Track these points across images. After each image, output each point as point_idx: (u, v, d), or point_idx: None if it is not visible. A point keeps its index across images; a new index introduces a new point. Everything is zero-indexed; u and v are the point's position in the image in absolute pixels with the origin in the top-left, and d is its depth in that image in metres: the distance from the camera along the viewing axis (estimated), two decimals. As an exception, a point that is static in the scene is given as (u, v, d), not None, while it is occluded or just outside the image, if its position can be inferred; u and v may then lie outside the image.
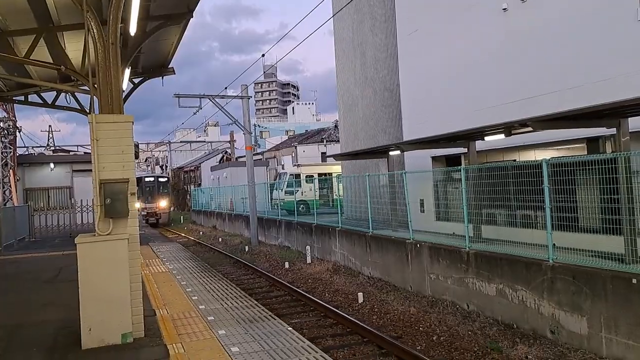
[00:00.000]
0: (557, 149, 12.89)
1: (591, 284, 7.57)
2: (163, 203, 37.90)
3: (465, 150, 12.81)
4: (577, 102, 9.06)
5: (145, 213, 35.91)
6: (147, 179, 38.06)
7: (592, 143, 10.89)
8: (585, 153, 11.11)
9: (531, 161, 11.46)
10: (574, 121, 8.83)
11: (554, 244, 8.53)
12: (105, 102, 5.81)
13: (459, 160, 15.11)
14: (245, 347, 5.23)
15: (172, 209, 42.06)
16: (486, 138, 11.75)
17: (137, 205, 32.89)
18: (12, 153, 24.51)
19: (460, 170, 11.40)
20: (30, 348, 5.61)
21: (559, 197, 8.92)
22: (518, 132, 10.84)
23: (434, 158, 15.99)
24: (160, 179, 39.36)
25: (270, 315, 6.63)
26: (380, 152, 16.26)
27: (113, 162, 5.78)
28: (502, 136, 11.04)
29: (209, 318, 6.55)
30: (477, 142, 12.36)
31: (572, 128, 9.23)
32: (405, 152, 15.84)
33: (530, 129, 9.75)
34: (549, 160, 8.85)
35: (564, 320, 8.02)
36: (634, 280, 6.90)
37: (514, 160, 13.59)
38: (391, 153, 15.60)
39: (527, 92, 11.86)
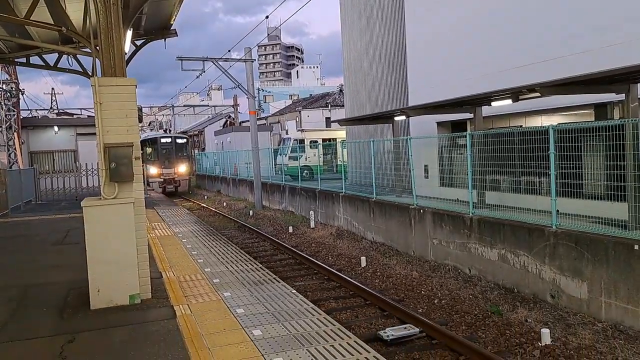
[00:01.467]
0: (565, 114, 12.77)
1: (593, 250, 7.62)
2: (182, 168, 32.42)
3: (472, 115, 12.71)
4: (586, 68, 8.91)
5: (162, 180, 31.26)
6: (163, 140, 32.57)
7: (600, 109, 10.77)
8: (593, 119, 11.01)
9: (538, 127, 11.38)
10: (584, 86, 8.70)
11: (558, 210, 8.56)
12: (107, 64, 5.74)
13: (465, 125, 15.02)
14: (250, 309, 5.33)
15: (193, 174, 36.09)
16: (493, 103, 11.61)
17: (154, 170, 27.94)
18: (15, 116, 24.47)
19: (465, 136, 11.34)
20: (41, 308, 5.74)
21: (564, 164, 8.89)
22: (526, 98, 10.69)
23: (439, 123, 15.89)
24: (179, 140, 33.46)
25: (274, 278, 6.73)
26: (385, 117, 16.16)
27: (117, 125, 5.76)
28: (509, 102, 10.91)
29: (214, 280, 6.65)
30: (483, 107, 12.25)
31: (581, 93, 9.11)
32: (410, 118, 15.72)
33: (538, 94, 9.66)
34: (556, 126, 8.77)
35: (564, 285, 8.12)
36: (636, 247, 6.94)
37: (520, 126, 13.49)
38: (396, 118, 15.48)
39: (535, 56, 11.66)
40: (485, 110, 12.36)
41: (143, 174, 25.62)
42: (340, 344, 4.23)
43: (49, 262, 8.42)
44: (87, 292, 5.64)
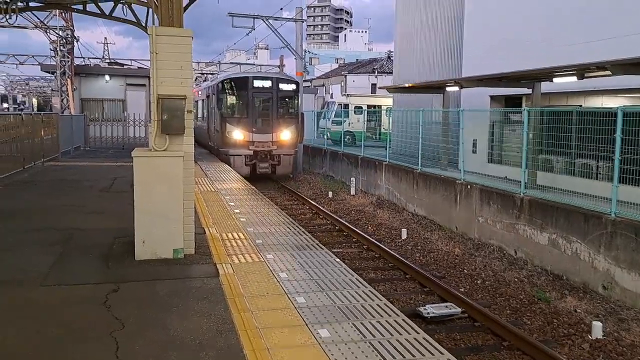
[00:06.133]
0: (628, 96, 11.99)
1: (656, 244, 7.15)
2: (286, 134, 18.81)
3: (529, 91, 12.10)
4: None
5: (251, 153, 18.22)
6: (257, 84, 18.62)
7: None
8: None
9: (603, 108, 10.69)
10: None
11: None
12: (165, 14, 5.56)
13: (520, 101, 14.34)
14: (293, 274, 5.20)
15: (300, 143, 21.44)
16: (555, 80, 10.98)
17: (238, 135, 17.72)
18: (69, 62, 24.93)
19: (521, 112, 10.80)
20: (87, 254, 5.80)
21: (626, 148, 8.34)
22: (592, 76, 10.05)
23: (492, 97, 15.20)
24: (284, 86, 19.14)
25: (317, 244, 6.59)
26: (436, 87, 15.59)
27: (171, 77, 5.60)
28: (573, 79, 10.28)
29: (257, 241, 6.57)
30: (541, 84, 11.60)
31: (659, 74, 8.43)
32: (462, 90, 15.11)
33: (607, 72, 9.02)
34: (625, 108, 8.18)
35: (619, 276, 7.69)
36: None
37: (580, 106, 12.78)
38: (448, 89, 14.92)
39: (604, 32, 10.80)
40: (542, 87, 11.72)
41: (214, 134, 18.78)
42: (387, 321, 4.05)
43: (97, 209, 8.55)
44: (132, 242, 5.64)
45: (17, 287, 4.76)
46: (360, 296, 4.60)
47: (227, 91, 18.68)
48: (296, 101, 19.69)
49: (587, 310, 7.40)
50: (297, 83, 20.02)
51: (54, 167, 14.29)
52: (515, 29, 13.65)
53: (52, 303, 4.37)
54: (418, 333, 3.82)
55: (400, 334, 3.80)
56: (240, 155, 18.03)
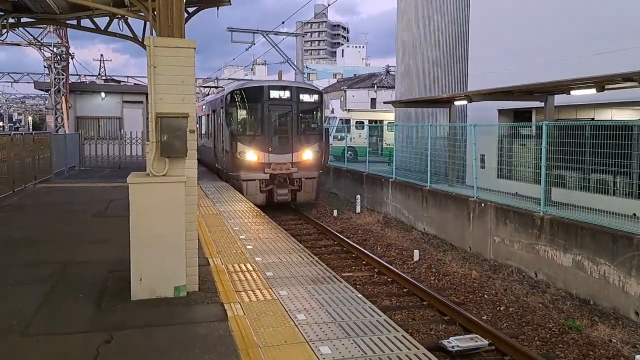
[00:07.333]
0: (636, 109, 11.57)
1: (699, 268, 6.59)
2: (308, 154, 16.12)
3: (540, 104, 11.65)
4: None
5: (267, 177, 15.55)
6: (273, 94, 15.92)
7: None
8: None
9: (623, 121, 10.21)
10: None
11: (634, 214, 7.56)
12: (165, 23, 5.01)
13: (529, 114, 13.89)
14: (312, 316, 4.58)
15: (324, 164, 17.92)
16: (572, 92, 10.50)
17: (251, 156, 14.83)
18: (64, 80, 24.43)
19: (533, 126, 10.33)
20: (77, 293, 5.18)
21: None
22: (613, 88, 9.57)
23: (500, 111, 14.73)
24: (305, 97, 16.35)
25: (333, 276, 5.97)
26: (443, 101, 15.12)
27: (172, 93, 5.02)
28: (592, 91, 9.82)
29: (267, 274, 5.95)
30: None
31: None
32: (469, 103, 14.65)
33: (634, 84, 8.57)
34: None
35: (656, 303, 7.13)
36: None
37: (592, 119, 12.36)
38: (456, 103, 14.43)
39: (620, 43, 10.36)
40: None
41: (229, 157, 15.03)
42: (428, 376, 3.46)
43: (90, 237, 7.94)
44: (128, 278, 5.04)
45: (-5, 337, 4.13)
46: (393, 343, 3.99)
47: (237, 104, 15.86)
48: (319, 114, 16.78)
49: (623, 340, 6.82)
50: (320, 93, 17.06)
51: (46, 189, 13.67)
52: (524, 40, 13.21)
53: None
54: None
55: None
56: (254, 180, 15.32)
